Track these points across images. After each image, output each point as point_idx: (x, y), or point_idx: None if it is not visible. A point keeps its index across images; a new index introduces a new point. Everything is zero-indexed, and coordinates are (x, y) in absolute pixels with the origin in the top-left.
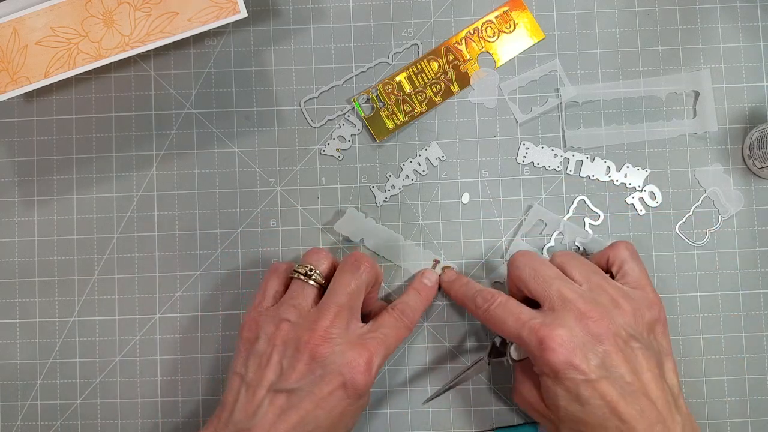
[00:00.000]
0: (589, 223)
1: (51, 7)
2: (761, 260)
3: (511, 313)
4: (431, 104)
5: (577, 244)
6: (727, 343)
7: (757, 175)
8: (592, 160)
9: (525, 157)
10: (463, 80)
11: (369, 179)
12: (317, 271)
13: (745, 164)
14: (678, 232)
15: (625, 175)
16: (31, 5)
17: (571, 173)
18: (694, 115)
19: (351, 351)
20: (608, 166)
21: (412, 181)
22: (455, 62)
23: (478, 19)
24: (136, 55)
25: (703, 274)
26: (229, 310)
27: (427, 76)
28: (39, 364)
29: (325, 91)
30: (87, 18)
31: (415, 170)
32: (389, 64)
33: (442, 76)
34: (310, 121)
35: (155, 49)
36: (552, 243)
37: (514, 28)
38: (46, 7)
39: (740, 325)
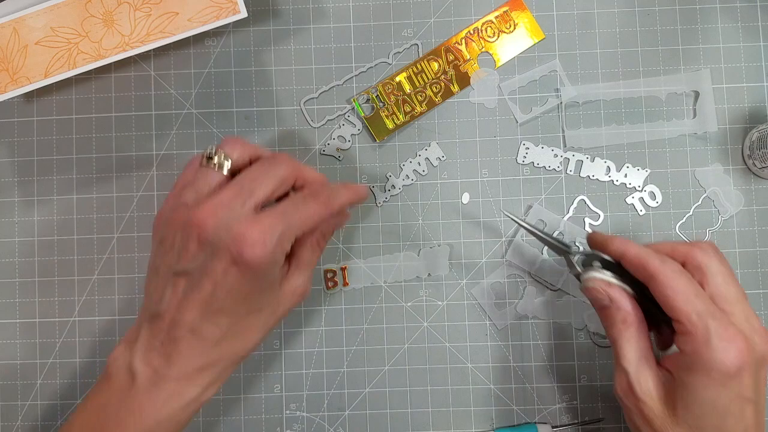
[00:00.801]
0: (589, 223)
1: (51, 7)
2: (761, 260)
3: (701, 292)
4: (431, 104)
5: (577, 244)
6: None
7: (757, 175)
8: (592, 160)
9: (525, 157)
10: (464, 80)
11: (369, 179)
12: (225, 156)
13: (745, 164)
14: (678, 232)
15: (625, 175)
16: (31, 5)
17: (571, 173)
18: (694, 115)
19: (239, 225)
20: (608, 166)
21: (412, 181)
22: (455, 62)
23: (478, 19)
24: (136, 55)
25: None
26: None
27: (427, 76)
28: (39, 364)
29: (324, 91)
30: (87, 18)
31: (415, 170)
32: (389, 64)
33: (442, 76)
34: (310, 121)
35: (155, 49)
36: None
37: (514, 28)
38: (46, 7)
39: None
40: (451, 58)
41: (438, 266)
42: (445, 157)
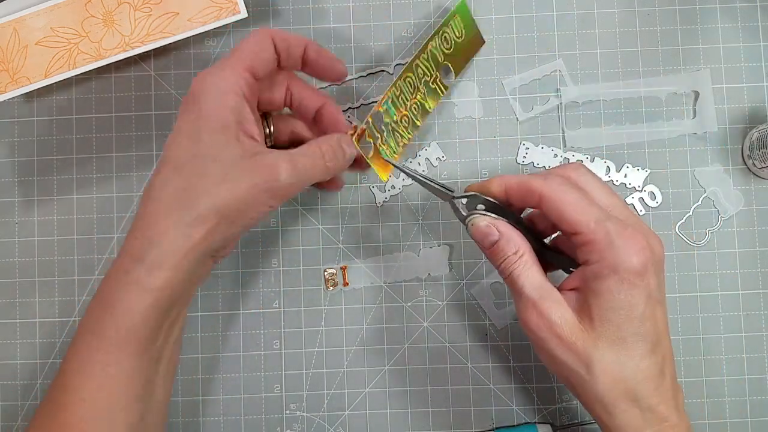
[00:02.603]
0: None
1: (51, 7)
2: (761, 260)
3: (591, 201)
4: (415, 127)
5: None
6: (726, 343)
7: (757, 175)
8: (592, 161)
9: (525, 157)
10: (435, 96)
11: (369, 179)
12: None
13: (745, 164)
14: (678, 232)
15: (625, 175)
16: (32, 5)
17: None
18: (694, 116)
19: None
20: (608, 167)
21: (412, 182)
22: (425, 78)
23: (436, 30)
24: (136, 55)
25: (702, 274)
26: (229, 310)
27: (406, 98)
28: (39, 364)
29: (323, 89)
30: (87, 18)
31: (414, 170)
32: (390, 74)
33: (418, 95)
34: None
35: (155, 49)
36: None
37: (463, 36)
38: (46, 7)
39: (740, 325)
40: (420, 73)
41: (438, 266)
42: (445, 157)
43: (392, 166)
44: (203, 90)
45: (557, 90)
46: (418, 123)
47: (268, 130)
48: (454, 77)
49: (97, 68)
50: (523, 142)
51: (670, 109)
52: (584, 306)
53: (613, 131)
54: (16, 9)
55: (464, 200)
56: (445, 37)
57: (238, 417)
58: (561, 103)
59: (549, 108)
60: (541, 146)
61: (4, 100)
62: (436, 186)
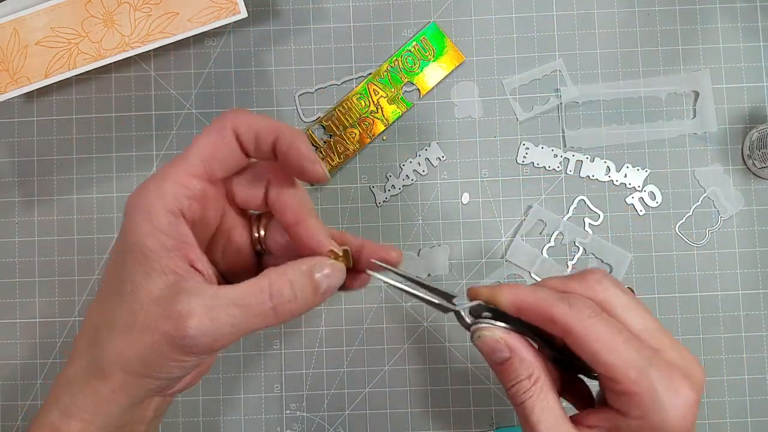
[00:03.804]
0: (589, 223)
1: (51, 7)
2: (761, 260)
3: (627, 335)
4: (362, 143)
5: (577, 244)
6: (726, 343)
7: (757, 175)
8: (592, 160)
9: (525, 157)
10: (390, 115)
11: (369, 179)
12: None
13: (745, 164)
14: (678, 232)
15: (625, 175)
16: (32, 5)
17: (571, 173)
18: (694, 116)
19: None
20: (608, 167)
21: (412, 181)
22: (382, 97)
23: (399, 48)
24: (136, 55)
25: (702, 274)
26: None
27: (354, 115)
28: (39, 364)
29: (322, 87)
30: (87, 18)
31: (415, 170)
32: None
33: (370, 114)
34: (302, 115)
35: (155, 49)
36: (552, 243)
37: (434, 56)
38: (46, 7)
39: (740, 325)
40: (375, 98)
41: (438, 266)
42: (445, 157)
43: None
44: (133, 209)
45: (557, 90)
46: (366, 140)
47: (257, 234)
48: (420, 95)
49: (97, 68)
50: (523, 142)
51: (670, 109)
52: None
53: (613, 131)
54: (16, 9)
55: (468, 308)
56: (407, 58)
57: (238, 417)
58: (561, 103)
59: (549, 108)
60: (541, 146)
61: (4, 100)
62: (433, 300)
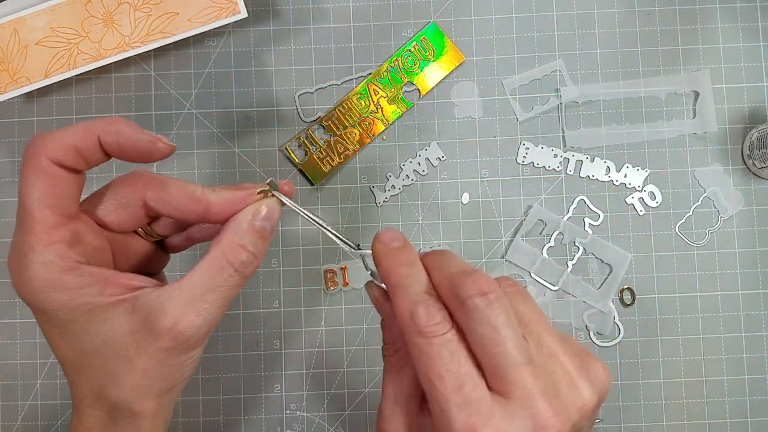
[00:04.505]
0: (589, 223)
1: (51, 7)
2: (761, 260)
3: (455, 368)
4: (362, 143)
5: (577, 244)
6: (727, 343)
7: (757, 175)
8: (592, 160)
9: (525, 157)
10: (390, 115)
11: (369, 179)
12: None
13: (745, 164)
14: (678, 232)
15: (625, 175)
16: (32, 5)
17: (571, 173)
18: (694, 116)
19: None
20: (608, 166)
21: (412, 181)
22: (382, 97)
23: (399, 48)
24: (136, 55)
25: (702, 274)
26: (229, 310)
27: (354, 115)
28: (39, 364)
29: (322, 87)
30: (87, 18)
31: (415, 170)
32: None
33: (370, 114)
34: (302, 115)
35: (155, 49)
36: (552, 243)
37: (434, 56)
38: (46, 7)
39: (740, 325)
40: (376, 97)
41: None
42: (445, 157)
43: (326, 175)
44: (33, 295)
45: (557, 90)
46: (367, 140)
47: (143, 230)
48: (420, 95)
49: (97, 68)
50: (523, 142)
51: (670, 109)
52: None
53: (613, 131)
54: (16, 9)
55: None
56: (407, 58)
57: (238, 417)
58: (561, 103)
59: (549, 108)
60: (541, 146)
61: (4, 100)
62: (342, 239)
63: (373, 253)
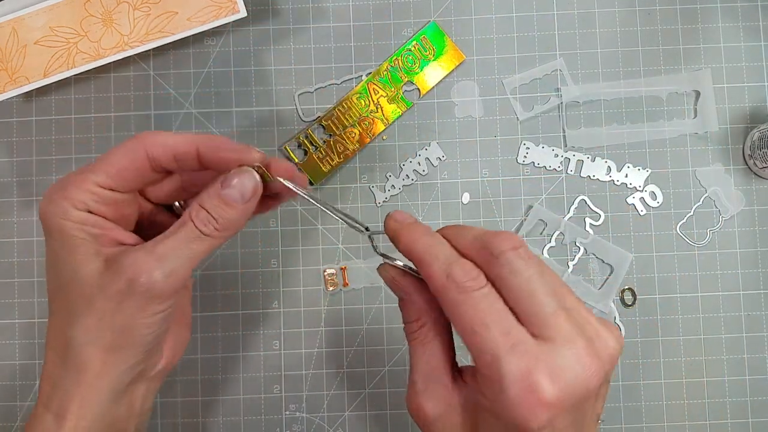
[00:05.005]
0: (590, 224)
1: (50, 6)
2: (762, 260)
3: (498, 317)
4: (362, 143)
5: (577, 244)
6: (728, 343)
7: (758, 175)
8: (593, 160)
9: (525, 156)
10: (390, 114)
11: (369, 179)
12: None
13: (746, 164)
14: (679, 232)
15: (626, 175)
16: (30, 5)
17: (572, 173)
18: (695, 115)
19: None
20: (609, 166)
21: (412, 181)
22: (382, 96)
23: (399, 48)
24: (135, 54)
25: (704, 275)
26: (229, 311)
27: (353, 114)
28: (38, 364)
29: (322, 87)
30: (86, 17)
31: (415, 170)
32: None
33: (370, 114)
34: (301, 115)
35: (154, 49)
36: (552, 243)
37: (434, 55)
38: (45, 6)
39: (741, 325)
40: (375, 97)
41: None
42: (445, 157)
43: (326, 175)
44: (46, 213)
45: (558, 89)
46: (366, 140)
47: (179, 204)
48: (420, 95)
49: (96, 68)
50: (523, 142)
51: (671, 108)
52: (472, 412)
53: (613, 131)
54: (15, 8)
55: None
56: (407, 58)
57: (237, 418)
58: (562, 103)
59: (550, 107)
60: (541, 146)
61: (3, 100)
62: (349, 220)
63: (388, 231)
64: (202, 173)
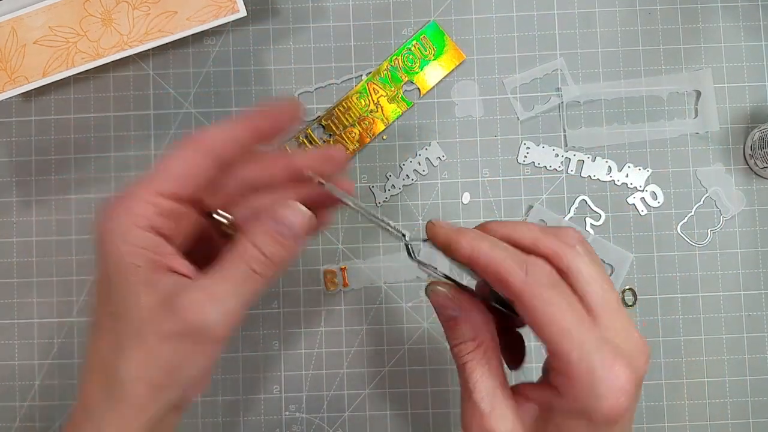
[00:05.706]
0: (591, 224)
1: (49, 6)
2: (763, 260)
3: (579, 313)
4: (362, 142)
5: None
6: (728, 343)
7: (759, 175)
8: (594, 160)
9: (526, 156)
10: (390, 114)
11: (369, 179)
12: None
13: (747, 164)
14: (679, 232)
15: (627, 175)
16: (30, 4)
17: (572, 173)
18: (696, 115)
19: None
20: (609, 166)
21: (413, 181)
22: (382, 96)
23: (399, 47)
24: (134, 54)
25: (704, 275)
26: None
27: (353, 114)
28: (37, 365)
29: (322, 86)
30: (85, 17)
31: (415, 170)
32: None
33: (370, 114)
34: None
35: (154, 49)
36: None
37: (434, 54)
38: (44, 6)
39: (742, 325)
40: (375, 97)
41: (438, 266)
42: (445, 157)
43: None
44: (106, 233)
45: (558, 89)
46: (366, 139)
47: (226, 221)
48: (420, 94)
49: (95, 67)
50: (524, 142)
51: (671, 108)
52: (540, 428)
53: (614, 131)
54: (14, 8)
55: (421, 244)
56: (407, 57)
57: (237, 418)
58: (562, 102)
59: (550, 107)
60: (542, 145)
61: (2, 100)
62: (389, 228)
63: (438, 239)
64: (258, 173)
